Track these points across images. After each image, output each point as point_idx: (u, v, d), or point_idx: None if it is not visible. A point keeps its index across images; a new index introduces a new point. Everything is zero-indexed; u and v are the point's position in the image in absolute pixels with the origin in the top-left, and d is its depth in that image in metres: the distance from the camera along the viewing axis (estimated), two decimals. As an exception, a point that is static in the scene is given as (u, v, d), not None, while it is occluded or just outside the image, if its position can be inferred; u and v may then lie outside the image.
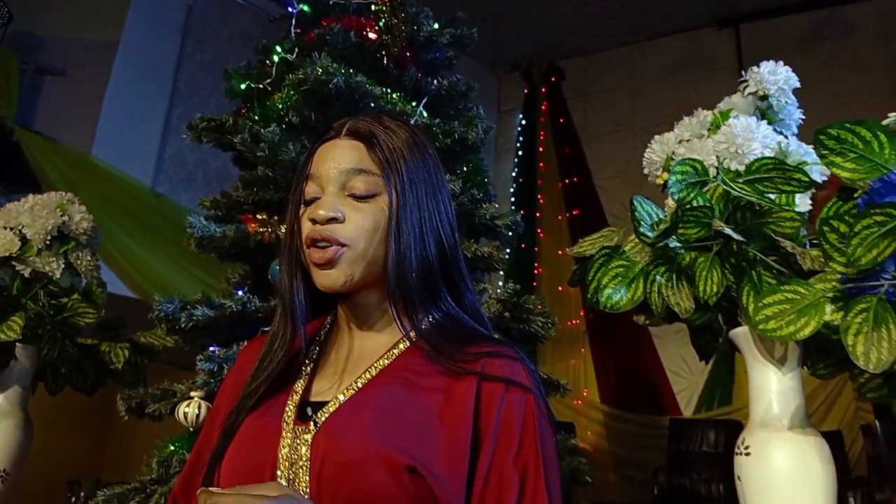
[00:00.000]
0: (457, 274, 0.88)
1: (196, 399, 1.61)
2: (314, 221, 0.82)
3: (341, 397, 0.80)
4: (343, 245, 0.81)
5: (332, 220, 0.81)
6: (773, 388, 1.35)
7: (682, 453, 4.61)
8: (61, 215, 2.18)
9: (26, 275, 2.09)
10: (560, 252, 6.29)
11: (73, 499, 4.96)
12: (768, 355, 1.36)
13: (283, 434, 0.78)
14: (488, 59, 7.05)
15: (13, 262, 2.10)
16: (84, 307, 2.15)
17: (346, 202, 0.83)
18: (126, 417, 1.83)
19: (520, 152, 6.91)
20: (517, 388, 0.79)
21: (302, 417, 0.79)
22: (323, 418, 0.78)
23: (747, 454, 1.32)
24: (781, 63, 1.60)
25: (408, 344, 0.84)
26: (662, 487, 4.44)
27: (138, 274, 4.24)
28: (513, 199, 6.62)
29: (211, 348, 1.76)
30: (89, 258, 2.25)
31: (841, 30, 5.92)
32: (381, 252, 0.83)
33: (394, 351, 0.84)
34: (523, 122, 7.04)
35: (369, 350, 0.85)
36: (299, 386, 0.84)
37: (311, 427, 0.77)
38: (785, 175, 1.27)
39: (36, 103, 4.80)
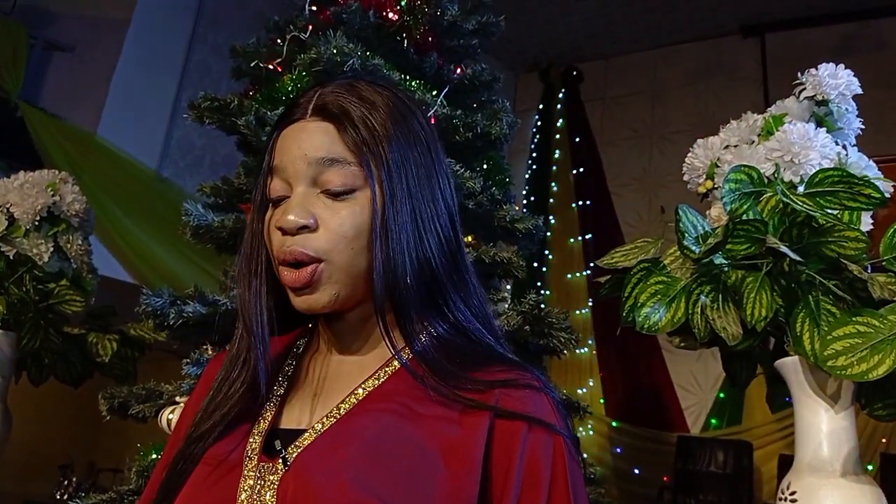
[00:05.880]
0: (458, 276, 0.71)
1: (182, 405, 1.47)
2: (283, 231, 0.66)
3: (319, 427, 0.64)
4: (319, 260, 0.65)
5: (304, 228, 0.65)
6: (823, 427, 1.20)
7: (689, 472, 4.47)
8: (52, 195, 2.05)
9: (11, 257, 1.97)
10: (571, 240, 6.17)
11: (66, 482, 4.89)
12: (819, 390, 1.21)
13: (245, 473, 0.62)
14: (506, 57, 6.91)
15: (-2, 243, 1.98)
16: (72, 294, 2.02)
17: (319, 202, 0.66)
18: (108, 418, 1.70)
19: (534, 154, 6.78)
20: (543, 427, 0.64)
21: (269, 452, 0.64)
22: (294, 454, 0.62)
23: (793, 501, 1.18)
24: (842, 66, 1.46)
25: (400, 365, 0.68)
26: (667, 507, 4.30)
27: (139, 259, 4.15)
28: (525, 202, 6.49)
29: (203, 347, 1.62)
30: (80, 242, 2.13)
31: (871, 44, 5.76)
32: (368, 260, 0.66)
33: (386, 370, 0.68)
34: (539, 123, 6.90)
35: (354, 370, 0.69)
36: (268, 411, 0.68)
37: (279, 466, 0.62)
38: (852, 190, 1.12)
39: (43, 79, 4.70)
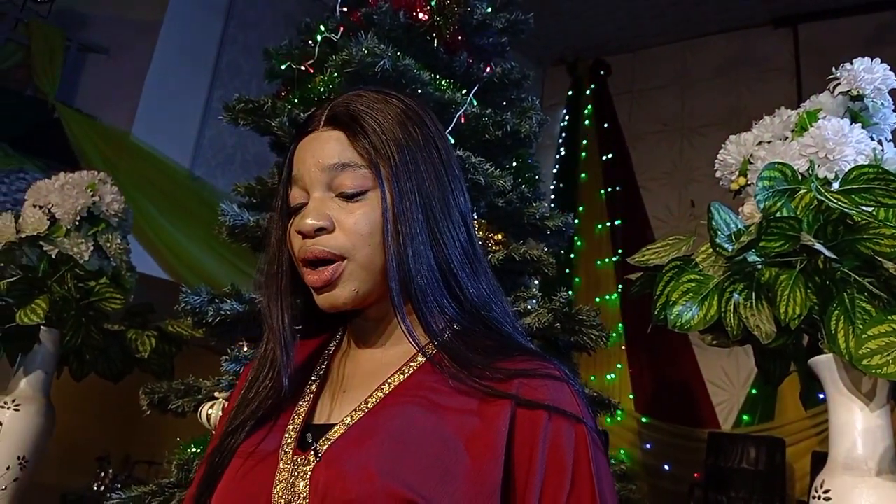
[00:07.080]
0: (473, 269, 0.75)
1: (221, 400, 1.51)
2: (302, 235, 0.71)
3: (348, 420, 0.68)
4: (341, 258, 0.70)
5: (321, 230, 0.70)
6: (858, 425, 1.19)
7: (720, 469, 4.42)
8: (92, 195, 2.10)
9: (53, 256, 2.02)
10: (599, 226, 6.15)
11: (103, 474, 4.99)
12: (854, 389, 1.20)
13: (280, 466, 0.66)
14: (533, 52, 6.88)
15: (41, 242, 2.04)
16: (112, 292, 2.07)
17: (334, 205, 0.71)
18: (148, 412, 1.74)
19: (562, 149, 6.74)
20: (563, 416, 0.66)
21: (303, 446, 0.68)
22: (325, 447, 0.66)
23: (827, 499, 1.17)
24: (878, 60, 1.44)
25: (424, 358, 0.71)
26: (699, 503, 4.26)
27: (174, 257, 4.22)
28: (553, 197, 6.46)
29: (239, 344, 1.66)
30: (119, 241, 2.18)
31: (907, 33, 5.63)
32: (384, 256, 0.71)
33: (411, 365, 0.71)
34: (567, 117, 6.86)
35: (379, 366, 0.73)
36: (302, 407, 0.72)
37: (312, 458, 0.66)
38: (888, 186, 1.11)
39: (78, 81, 4.80)
